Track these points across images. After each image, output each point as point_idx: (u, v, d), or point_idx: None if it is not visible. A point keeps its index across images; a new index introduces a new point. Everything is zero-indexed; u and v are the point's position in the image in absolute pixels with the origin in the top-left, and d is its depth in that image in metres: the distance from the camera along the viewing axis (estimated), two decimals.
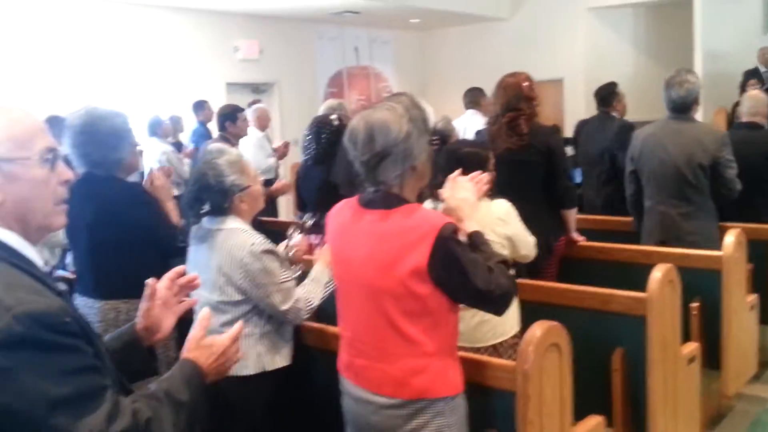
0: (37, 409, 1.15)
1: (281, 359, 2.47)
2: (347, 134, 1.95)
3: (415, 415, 1.92)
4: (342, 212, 2.08)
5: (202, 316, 1.61)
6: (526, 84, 3.56)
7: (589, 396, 2.76)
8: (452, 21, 11.43)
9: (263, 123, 6.89)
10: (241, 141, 5.69)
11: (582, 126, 5.65)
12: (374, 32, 11.70)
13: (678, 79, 3.78)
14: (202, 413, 1.47)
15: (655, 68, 10.64)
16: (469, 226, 2.04)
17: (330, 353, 2.33)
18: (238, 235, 2.38)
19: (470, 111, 6.42)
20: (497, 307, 1.97)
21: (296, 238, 2.79)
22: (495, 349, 2.61)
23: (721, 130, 3.99)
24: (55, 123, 3.41)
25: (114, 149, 2.83)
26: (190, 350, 1.54)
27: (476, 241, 2.01)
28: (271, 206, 5.76)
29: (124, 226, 2.80)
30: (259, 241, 2.37)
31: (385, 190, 1.92)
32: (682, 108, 3.80)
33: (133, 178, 3.30)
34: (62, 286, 1.35)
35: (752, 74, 9.04)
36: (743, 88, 8.18)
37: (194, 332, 1.57)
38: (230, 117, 5.58)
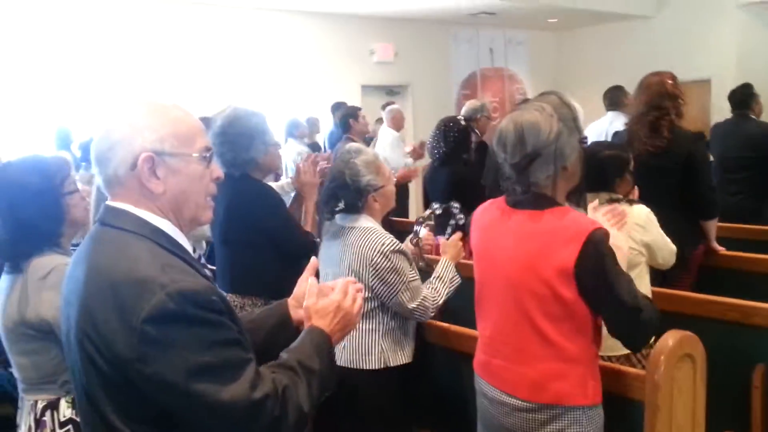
0: (184, 377, 1.25)
1: (404, 356, 2.52)
2: (495, 137, 1.95)
3: (550, 421, 1.90)
4: (489, 212, 2.08)
5: (311, 283, 1.59)
6: (670, 82, 3.44)
7: (724, 412, 2.65)
8: (592, 20, 11.11)
9: (398, 123, 7.01)
10: (378, 141, 5.86)
11: (717, 130, 5.32)
12: (510, 33, 11.57)
13: None
14: (333, 380, 1.50)
15: None
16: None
17: (452, 351, 2.37)
18: (369, 234, 2.46)
19: (611, 113, 6.21)
20: (636, 331, 1.90)
21: (423, 231, 2.84)
22: (628, 359, 2.54)
23: None
24: (204, 124, 3.62)
25: (245, 149, 2.85)
26: (310, 318, 1.55)
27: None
28: (401, 206, 5.89)
29: (248, 226, 2.87)
30: (389, 241, 2.44)
31: (535, 191, 1.91)
32: None
33: (270, 178, 3.42)
34: (208, 272, 1.46)
35: None
36: None
37: (308, 301, 1.56)
38: (352, 115, 5.75)
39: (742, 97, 5.14)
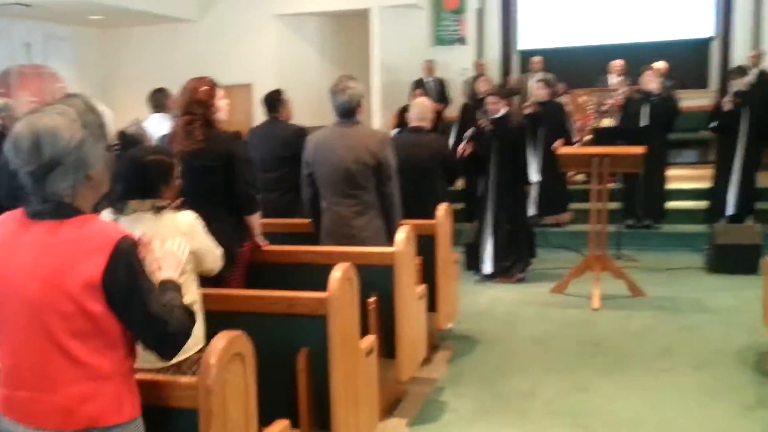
0: None
1: None
2: (9, 141, 1.73)
3: None
4: (4, 225, 1.83)
5: None
6: (203, 89, 3.56)
7: (277, 401, 2.85)
8: (137, 20, 10.93)
9: None
10: None
11: (255, 131, 5.74)
12: (49, 27, 10.71)
13: (341, 86, 4.06)
14: None
15: (338, 75, 11.28)
16: (164, 275, 1.98)
17: None
18: None
19: (157, 115, 6.20)
20: (165, 344, 1.86)
21: None
22: (178, 368, 2.54)
23: (383, 132, 4.34)
24: None
25: None
26: None
27: (165, 285, 1.94)
28: None
29: None
30: None
31: (56, 200, 1.75)
32: (346, 113, 4.08)
33: None
34: None
35: (419, 84, 10.06)
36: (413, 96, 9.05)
37: None
38: None
39: (272, 102, 5.58)
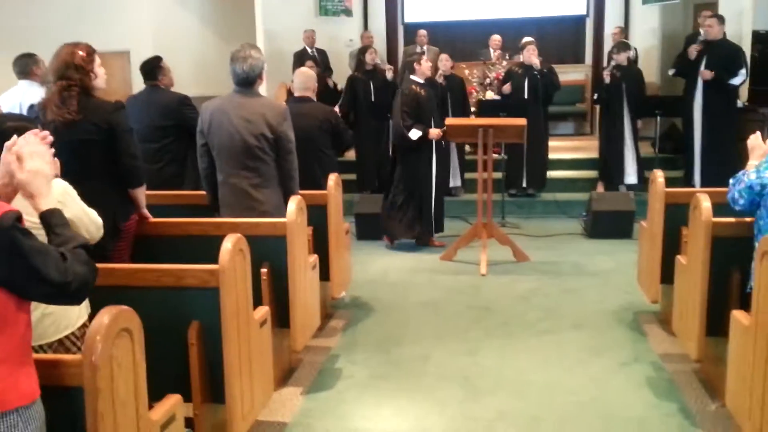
0: None
1: None
2: None
3: None
4: None
5: None
6: (81, 53, 3.34)
7: (169, 375, 2.75)
8: None
9: None
10: None
11: (134, 100, 5.45)
12: None
13: (242, 54, 3.89)
14: None
15: (221, 44, 10.95)
16: (43, 203, 1.84)
17: None
18: None
19: (24, 82, 5.77)
20: (74, 299, 1.82)
21: None
22: (61, 344, 2.39)
23: (282, 105, 4.24)
24: None
25: None
26: None
27: (51, 221, 1.82)
28: None
29: None
30: None
31: None
32: (246, 82, 3.93)
33: None
34: None
35: (302, 54, 9.90)
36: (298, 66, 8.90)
37: None
38: None
39: (151, 69, 5.33)
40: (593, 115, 10.96)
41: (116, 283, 2.85)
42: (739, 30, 8.80)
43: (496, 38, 9.91)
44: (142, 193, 3.61)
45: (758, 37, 9.64)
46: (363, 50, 8.77)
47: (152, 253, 3.48)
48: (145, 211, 3.66)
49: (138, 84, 9.91)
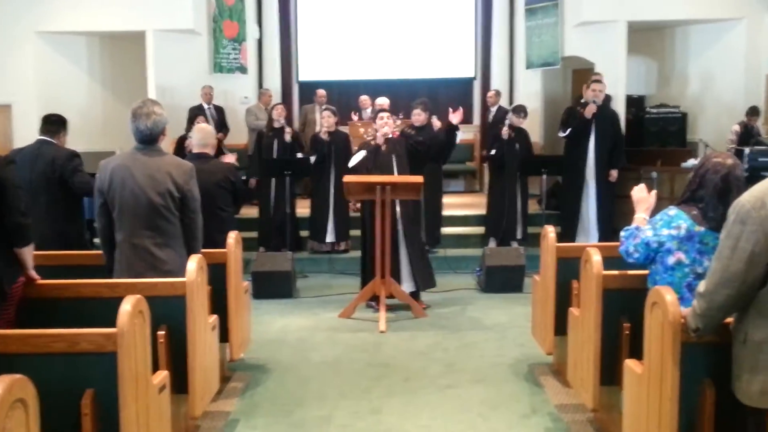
0: None
1: None
2: None
3: None
4: None
5: None
6: None
7: None
8: None
9: None
10: None
11: (22, 155, 5.20)
12: None
13: (145, 111, 3.79)
14: None
15: (111, 99, 10.69)
16: None
17: None
18: None
19: None
20: None
21: None
22: None
23: (188, 163, 4.16)
24: None
25: None
26: None
27: None
28: None
29: None
30: None
31: None
32: (149, 139, 3.82)
33: None
34: None
35: (197, 110, 9.80)
36: (192, 122, 8.79)
37: None
38: None
39: (56, 123, 5.22)
40: (482, 173, 11.40)
41: (6, 350, 2.66)
42: (615, 94, 9.49)
43: (364, 98, 10.50)
44: (29, 253, 3.42)
45: (631, 101, 10.41)
46: (272, 108, 8.89)
47: (40, 318, 3.28)
48: (33, 273, 3.46)
49: (20, 138, 9.54)
